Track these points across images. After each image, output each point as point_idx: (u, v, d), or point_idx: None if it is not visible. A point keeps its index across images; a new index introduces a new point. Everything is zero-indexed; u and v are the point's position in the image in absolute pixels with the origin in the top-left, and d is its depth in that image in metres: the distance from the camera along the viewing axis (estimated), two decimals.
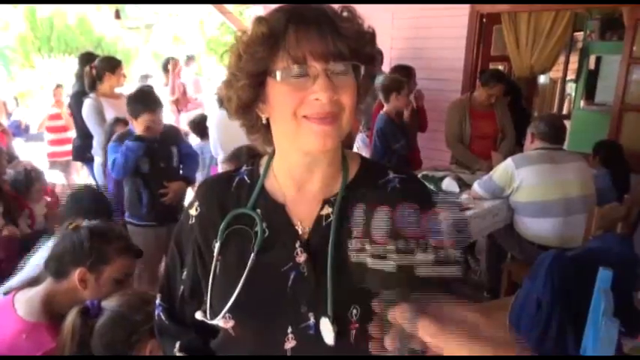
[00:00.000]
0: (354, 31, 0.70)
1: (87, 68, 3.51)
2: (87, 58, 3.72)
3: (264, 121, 0.78)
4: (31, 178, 2.81)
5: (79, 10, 12.93)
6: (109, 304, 1.15)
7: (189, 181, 2.90)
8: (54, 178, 4.23)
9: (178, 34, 14.22)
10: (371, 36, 0.74)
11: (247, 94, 0.74)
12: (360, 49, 0.72)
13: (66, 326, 1.09)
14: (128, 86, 5.52)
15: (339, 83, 0.70)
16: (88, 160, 3.79)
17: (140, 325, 1.10)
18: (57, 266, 1.29)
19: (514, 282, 2.69)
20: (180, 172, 2.84)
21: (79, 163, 4.36)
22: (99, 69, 3.47)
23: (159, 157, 2.70)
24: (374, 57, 0.76)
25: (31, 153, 4.85)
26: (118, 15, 7.83)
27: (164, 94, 5.17)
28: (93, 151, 3.57)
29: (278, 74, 0.69)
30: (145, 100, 2.61)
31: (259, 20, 0.71)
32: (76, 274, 1.27)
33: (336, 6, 0.73)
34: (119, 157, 2.58)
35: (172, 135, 2.84)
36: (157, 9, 13.80)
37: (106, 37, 13.41)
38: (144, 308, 1.10)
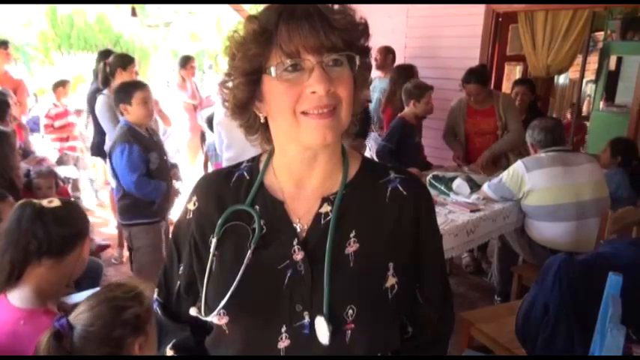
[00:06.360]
0: (346, 23, 0.70)
1: (101, 65, 3.53)
2: (105, 55, 3.74)
3: (262, 120, 0.77)
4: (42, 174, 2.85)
5: (98, 9, 13.12)
6: (79, 322, 1.05)
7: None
8: (68, 172, 4.30)
9: (196, 31, 14.33)
10: (364, 27, 0.74)
11: (243, 92, 0.74)
12: (353, 41, 0.71)
13: (41, 352, 1.00)
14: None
15: (334, 75, 0.69)
16: (105, 157, 3.83)
17: (120, 339, 1.06)
18: (61, 246, 1.32)
19: (525, 286, 2.63)
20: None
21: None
22: (112, 66, 3.48)
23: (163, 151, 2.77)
24: (368, 48, 0.75)
25: (48, 148, 4.91)
26: (134, 13, 7.88)
27: (179, 95, 5.15)
28: (105, 147, 3.60)
29: (272, 70, 0.69)
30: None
31: (250, 18, 0.71)
32: (85, 244, 1.38)
33: None
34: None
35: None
36: (177, 8, 13.93)
37: (125, 35, 13.58)
38: (118, 319, 1.05)
